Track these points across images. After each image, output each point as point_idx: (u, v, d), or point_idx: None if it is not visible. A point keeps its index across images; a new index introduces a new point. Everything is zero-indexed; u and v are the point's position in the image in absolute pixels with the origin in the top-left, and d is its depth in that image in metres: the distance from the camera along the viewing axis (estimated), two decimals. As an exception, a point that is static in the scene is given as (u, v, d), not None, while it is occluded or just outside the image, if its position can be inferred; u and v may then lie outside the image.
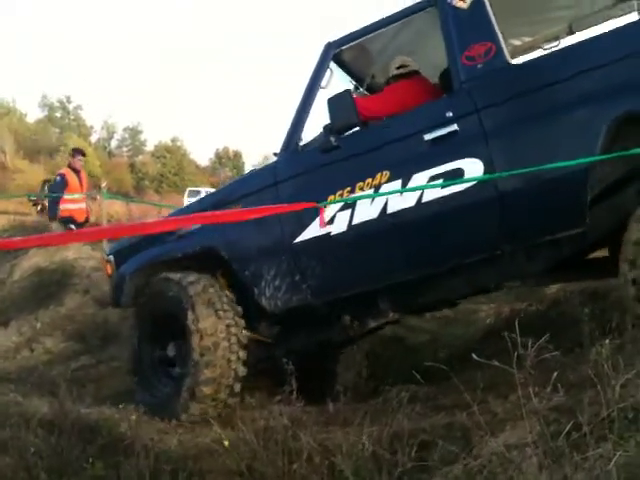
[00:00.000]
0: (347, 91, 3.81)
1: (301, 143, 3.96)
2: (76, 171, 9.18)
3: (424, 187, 3.36)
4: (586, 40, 3.33)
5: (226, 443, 2.95)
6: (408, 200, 3.42)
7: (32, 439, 3.14)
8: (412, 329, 5.38)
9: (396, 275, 3.62)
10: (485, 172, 3.23)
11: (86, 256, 8.37)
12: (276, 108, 76.20)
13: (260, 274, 3.92)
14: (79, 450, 3.06)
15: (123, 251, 4.66)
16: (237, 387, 3.80)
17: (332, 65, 4.00)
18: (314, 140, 4.10)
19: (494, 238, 3.34)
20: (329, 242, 3.67)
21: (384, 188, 3.49)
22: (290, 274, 3.83)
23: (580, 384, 2.50)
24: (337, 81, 4.12)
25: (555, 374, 2.41)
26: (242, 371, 3.81)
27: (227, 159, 52.80)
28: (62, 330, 6.96)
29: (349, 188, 3.60)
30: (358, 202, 3.57)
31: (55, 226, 8.95)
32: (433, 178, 3.35)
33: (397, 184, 3.45)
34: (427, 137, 3.42)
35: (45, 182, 26.16)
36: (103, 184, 9.13)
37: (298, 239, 3.74)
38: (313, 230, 3.67)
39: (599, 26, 3.91)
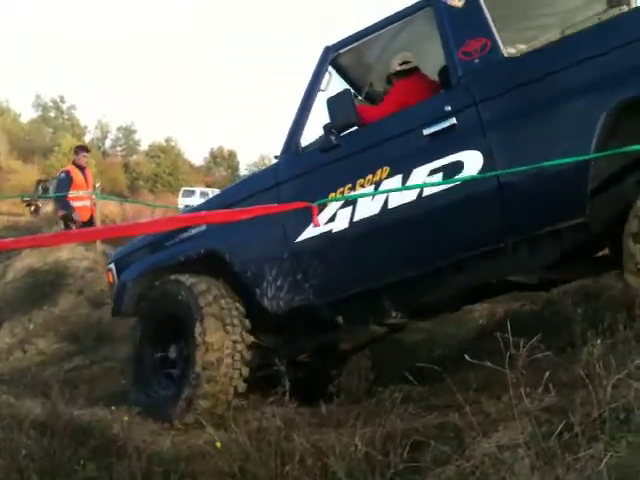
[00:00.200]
0: (346, 90, 3.84)
1: (301, 146, 3.98)
2: (81, 168, 9.07)
3: (425, 185, 3.36)
4: (580, 32, 3.38)
5: (218, 445, 2.95)
6: (409, 195, 3.44)
7: (24, 441, 3.12)
8: (407, 328, 5.38)
9: (399, 271, 3.61)
10: (485, 164, 3.25)
11: (80, 257, 8.35)
12: (272, 108, 76.53)
13: (262, 275, 3.91)
14: (71, 452, 3.04)
15: (124, 259, 4.65)
16: (235, 402, 3.78)
17: (331, 69, 4.03)
18: (314, 143, 4.10)
19: (496, 230, 3.35)
20: (330, 240, 3.68)
21: (385, 184, 3.51)
22: (292, 274, 3.83)
23: (572, 384, 2.50)
24: (336, 84, 4.15)
25: (547, 374, 2.42)
26: (242, 387, 3.79)
27: (222, 159, 52.81)
28: (55, 331, 6.95)
29: (350, 185, 3.62)
30: (359, 198, 3.58)
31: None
32: (433, 171, 3.38)
33: (397, 179, 3.48)
34: (426, 132, 3.45)
35: (39, 182, 26.14)
36: (97, 184, 9.06)
37: (299, 238, 3.74)
38: (314, 229, 3.66)
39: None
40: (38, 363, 6.24)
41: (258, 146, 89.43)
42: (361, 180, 3.59)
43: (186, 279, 3.99)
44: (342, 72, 4.29)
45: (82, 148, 9.84)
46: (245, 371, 3.80)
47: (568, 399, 2.39)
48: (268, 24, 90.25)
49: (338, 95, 3.77)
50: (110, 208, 15.77)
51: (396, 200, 3.48)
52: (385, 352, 4.91)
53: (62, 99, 51.15)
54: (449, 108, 3.40)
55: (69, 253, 8.38)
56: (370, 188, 3.55)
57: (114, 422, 3.50)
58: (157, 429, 3.63)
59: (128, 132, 53.50)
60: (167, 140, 48.78)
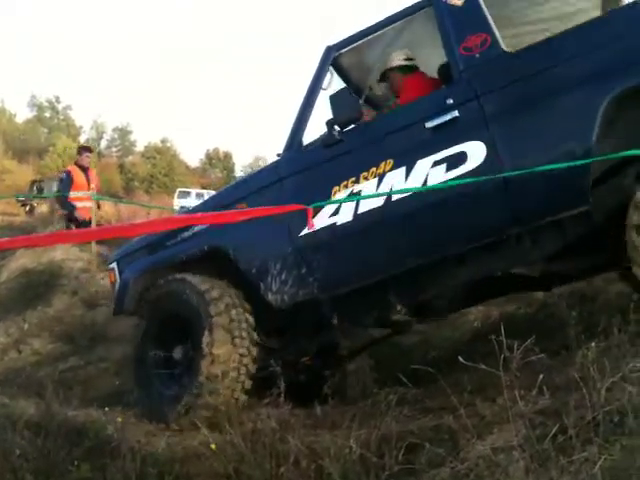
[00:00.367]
0: (347, 87, 3.93)
1: (303, 144, 4.01)
2: (83, 169, 9.04)
3: (431, 187, 3.39)
4: (578, 25, 3.42)
5: (213, 446, 2.94)
6: (413, 185, 3.48)
7: (18, 441, 3.11)
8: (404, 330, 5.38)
9: (404, 263, 3.63)
10: (487, 153, 3.32)
11: (74, 257, 8.34)
12: (268, 109, 76.61)
13: (266, 270, 3.92)
14: (65, 452, 3.04)
15: (125, 258, 4.65)
16: (235, 413, 3.76)
17: (332, 69, 4.08)
18: (314, 141, 4.12)
19: (500, 220, 3.39)
20: (334, 233, 3.70)
21: (388, 176, 3.56)
22: (296, 268, 3.84)
23: (566, 387, 2.51)
24: (338, 83, 4.20)
25: (541, 377, 2.43)
26: (243, 400, 3.77)
27: (217, 160, 52.69)
28: (50, 331, 6.94)
29: (353, 178, 3.67)
30: (363, 191, 3.62)
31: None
32: (437, 163, 3.43)
33: (401, 171, 3.53)
34: (429, 125, 3.51)
35: (34, 183, 26.06)
36: (92, 184, 9.03)
37: (303, 232, 3.75)
38: (318, 221, 3.68)
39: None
40: (33, 363, 6.23)
41: (253, 148, 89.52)
42: (365, 173, 3.63)
43: (198, 282, 3.95)
44: (342, 74, 4.32)
45: (85, 148, 9.83)
46: (248, 384, 3.78)
47: (562, 402, 2.40)
48: (268, 24, 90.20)
49: (340, 91, 3.84)
50: (105, 209, 15.74)
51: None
52: (381, 354, 4.91)
53: (58, 99, 51.06)
54: (451, 101, 3.47)
55: (63, 254, 8.37)
56: (374, 181, 3.60)
57: (108, 423, 3.49)
58: (152, 430, 3.63)
59: (124, 133, 53.39)
60: (163, 141, 48.68)
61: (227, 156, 52.93)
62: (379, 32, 3.93)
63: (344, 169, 3.72)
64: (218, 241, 4.04)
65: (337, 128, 3.81)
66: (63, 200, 9.05)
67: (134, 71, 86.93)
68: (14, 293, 7.91)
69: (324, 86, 3.99)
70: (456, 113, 3.44)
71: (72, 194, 8.77)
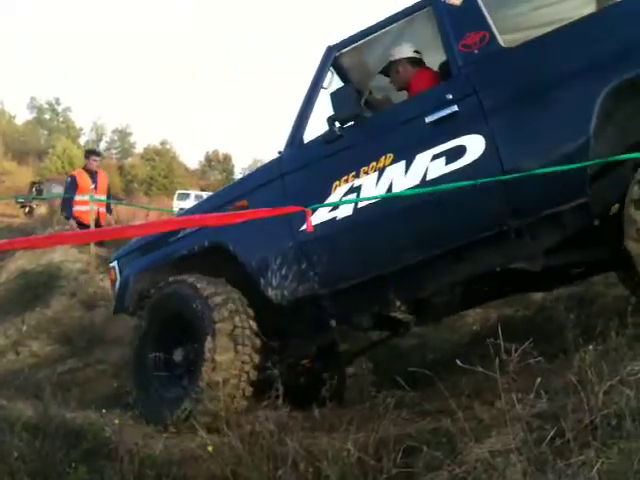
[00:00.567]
0: (348, 85, 3.98)
1: (304, 141, 4.04)
2: (91, 172, 9.02)
3: (431, 190, 3.38)
4: (574, 21, 3.47)
5: (210, 448, 2.94)
6: (413, 179, 3.52)
7: (16, 443, 3.11)
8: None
9: (404, 257, 3.64)
10: (486, 146, 3.37)
11: (73, 259, 8.34)
12: (268, 111, 76.36)
13: (267, 265, 3.93)
14: (63, 454, 3.03)
15: (126, 257, 4.67)
16: (233, 417, 3.75)
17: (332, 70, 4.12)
18: (316, 139, 4.14)
19: (500, 213, 3.41)
20: (335, 227, 3.72)
21: (388, 170, 3.60)
22: (297, 262, 3.85)
23: (564, 390, 2.50)
24: (338, 82, 4.23)
25: (539, 380, 2.42)
26: (243, 405, 3.75)
27: (217, 162, 52.69)
28: (48, 333, 6.94)
29: (354, 173, 3.70)
30: (363, 185, 3.65)
31: (71, 223, 8.84)
32: (436, 156, 3.47)
33: (401, 165, 3.56)
34: (428, 119, 3.55)
35: (33, 184, 26.05)
36: (91, 186, 9.02)
37: (304, 226, 3.75)
38: (318, 216, 3.70)
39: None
40: (31, 365, 6.23)
41: (252, 150, 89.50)
42: (365, 167, 3.67)
43: (203, 286, 3.92)
44: (342, 74, 4.33)
45: (92, 152, 9.83)
46: (248, 390, 3.76)
47: (560, 405, 2.40)
48: (268, 24, 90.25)
49: (341, 89, 3.88)
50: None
51: (400, 185, 3.55)
52: (379, 357, 4.91)
53: (57, 101, 51.12)
54: (450, 96, 3.51)
55: (62, 255, 8.37)
56: (374, 175, 3.63)
57: (106, 425, 3.48)
58: (149, 432, 3.62)
59: (123, 135, 53.42)
60: (162, 143, 48.67)
61: (227, 158, 52.93)
62: (379, 32, 3.96)
63: (344, 164, 3.76)
64: (219, 237, 4.04)
65: (337, 124, 3.86)
66: (64, 204, 9.08)
67: (134, 72, 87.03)
68: (13, 294, 7.91)
69: (325, 85, 4.03)
70: (455, 108, 3.48)
71: (78, 197, 8.78)
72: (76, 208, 8.81)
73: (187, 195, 31.18)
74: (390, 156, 3.61)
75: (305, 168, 3.93)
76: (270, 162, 4.25)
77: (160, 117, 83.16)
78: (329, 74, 4.07)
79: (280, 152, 4.10)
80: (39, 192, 23.84)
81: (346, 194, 3.70)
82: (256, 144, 58.90)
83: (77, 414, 3.72)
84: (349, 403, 4.04)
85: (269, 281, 3.93)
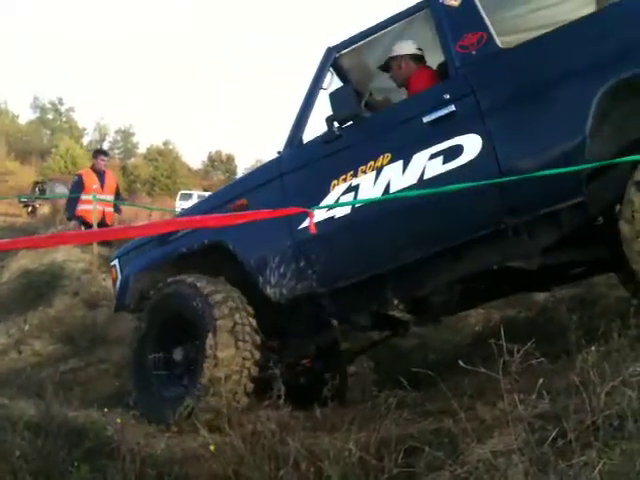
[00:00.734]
0: (347, 85, 4.00)
1: (303, 142, 4.07)
2: (99, 172, 9.04)
3: (435, 191, 3.36)
4: (571, 22, 3.48)
5: (212, 448, 2.94)
6: (410, 178, 3.54)
7: (18, 442, 3.11)
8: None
9: (402, 256, 3.66)
10: (484, 146, 3.38)
11: (75, 258, 8.36)
12: (270, 111, 76.32)
13: (265, 263, 3.95)
14: (65, 453, 3.03)
15: (127, 255, 4.69)
16: (235, 415, 3.76)
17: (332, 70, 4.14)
18: (315, 139, 4.15)
19: (497, 212, 3.42)
20: (333, 226, 3.74)
21: (386, 169, 3.62)
22: (295, 261, 3.87)
23: (566, 391, 2.51)
24: (338, 83, 4.24)
25: (541, 381, 2.42)
26: (244, 402, 3.76)
27: (220, 162, 52.65)
28: (51, 332, 6.95)
29: (352, 172, 3.72)
30: (361, 184, 3.67)
31: (72, 225, 8.90)
32: (434, 156, 3.49)
33: (399, 164, 3.59)
34: (426, 119, 3.57)
35: (36, 184, 26.05)
36: (94, 186, 9.02)
37: (303, 225, 3.76)
38: (316, 215, 3.69)
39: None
40: (33, 364, 6.24)
41: (255, 150, 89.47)
42: (363, 167, 3.69)
43: (203, 285, 3.94)
44: (342, 75, 4.34)
45: (100, 152, 9.87)
46: (249, 386, 3.78)
47: (562, 406, 2.40)
48: (268, 24, 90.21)
49: (340, 89, 3.90)
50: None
51: (398, 184, 3.56)
52: (380, 357, 4.91)
53: (60, 101, 51.04)
54: (448, 96, 3.54)
55: (65, 255, 8.39)
56: (372, 174, 3.65)
57: (108, 424, 3.49)
58: (151, 431, 3.63)
59: (126, 135, 53.37)
60: (165, 143, 48.63)
61: (229, 158, 52.90)
62: (379, 33, 3.98)
63: (343, 164, 3.78)
64: (218, 235, 4.05)
65: (336, 125, 3.88)
66: (68, 203, 9.10)
67: (136, 72, 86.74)
68: (15, 294, 7.93)
69: (324, 86, 4.05)
70: (453, 107, 3.50)
71: (84, 197, 8.79)
72: (82, 207, 8.82)
73: (190, 195, 31.14)
74: (388, 156, 3.63)
75: (304, 168, 3.96)
76: (269, 162, 4.26)
77: (163, 117, 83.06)
78: (329, 75, 4.10)
79: (279, 152, 4.11)
80: (42, 192, 23.83)
81: (344, 193, 3.72)
82: (259, 145, 58.96)
83: (79, 413, 3.72)
84: (351, 403, 4.04)
85: (268, 279, 3.95)
